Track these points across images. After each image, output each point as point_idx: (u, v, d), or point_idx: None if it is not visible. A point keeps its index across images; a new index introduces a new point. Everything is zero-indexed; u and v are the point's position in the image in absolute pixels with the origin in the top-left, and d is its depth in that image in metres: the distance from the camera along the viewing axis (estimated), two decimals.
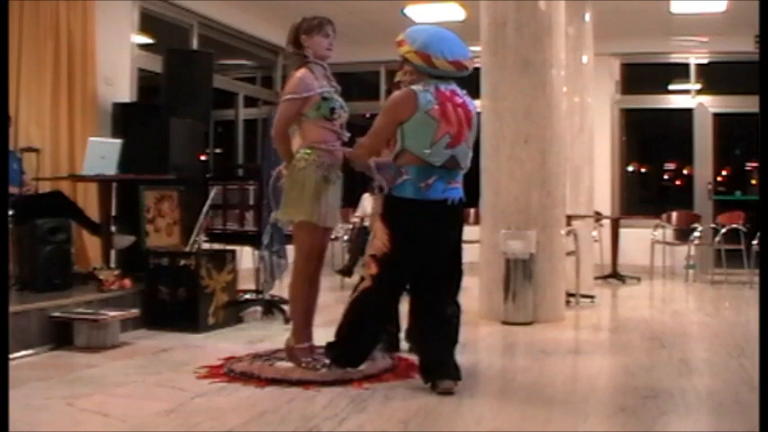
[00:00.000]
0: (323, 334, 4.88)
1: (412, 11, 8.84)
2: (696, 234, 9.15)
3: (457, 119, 3.76)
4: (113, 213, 6.18)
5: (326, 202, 4.01)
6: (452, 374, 3.75)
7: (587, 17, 7.97)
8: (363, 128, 4.20)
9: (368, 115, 11.42)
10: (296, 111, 4.03)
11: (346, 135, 4.17)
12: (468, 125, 3.81)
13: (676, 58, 10.25)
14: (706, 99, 10.18)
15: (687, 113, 10.24)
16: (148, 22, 7.89)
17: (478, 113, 4.92)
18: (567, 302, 6.45)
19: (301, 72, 4.05)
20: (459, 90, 3.87)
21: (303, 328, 4.15)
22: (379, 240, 3.85)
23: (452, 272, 3.94)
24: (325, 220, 4.04)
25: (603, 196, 9.72)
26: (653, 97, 10.67)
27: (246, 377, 3.95)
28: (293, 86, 4.03)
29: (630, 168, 11.65)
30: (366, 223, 7.84)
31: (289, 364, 4.12)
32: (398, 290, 4.00)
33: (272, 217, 5.61)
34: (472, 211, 8.83)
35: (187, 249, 5.69)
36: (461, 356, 4.51)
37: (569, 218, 6.97)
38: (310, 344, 4.15)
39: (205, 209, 5.88)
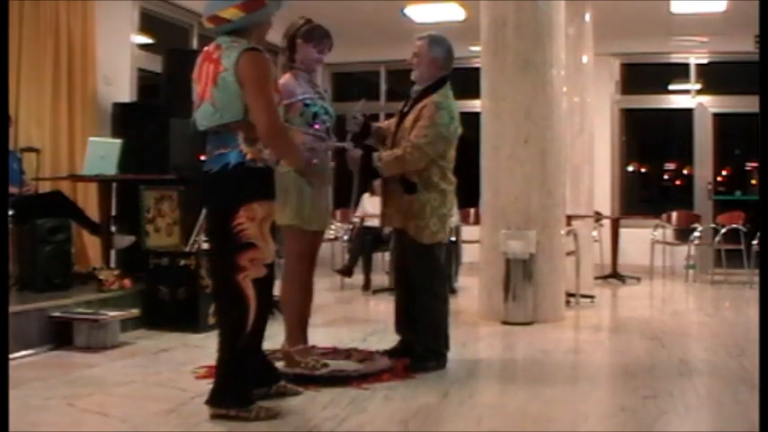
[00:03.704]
0: (323, 334, 4.87)
1: (412, 11, 8.83)
2: (696, 234, 9.14)
3: (205, 76, 3.26)
4: (113, 213, 6.19)
5: (312, 206, 3.97)
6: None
7: (587, 17, 7.97)
8: None
9: (368, 115, 11.40)
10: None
11: (334, 140, 4.18)
12: (212, 81, 3.22)
13: (676, 58, 10.25)
14: (706, 99, 10.17)
15: (687, 113, 10.23)
16: (148, 22, 7.89)
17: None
18: (567, 302, 6.44)
19: (285, 78, 4.05)
20: (225, 43, 3.26)
21: (297, 330, 4.13)
22: None
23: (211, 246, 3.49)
24: (311, 223, 3.99)
25: (603, 196, 9.71)
26: (653, 97, 10.66)
27: None
28: None
29: (630, 168, 11.65)
30: (366, 223, 7.85)
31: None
32: None
33: None
34: (472, 211, 8.86)
35: (187, 249, 5.69)
36: (460, 355, 4.53)
37: (569, 218, 6.96)
38: (305, 345, 4.13)
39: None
